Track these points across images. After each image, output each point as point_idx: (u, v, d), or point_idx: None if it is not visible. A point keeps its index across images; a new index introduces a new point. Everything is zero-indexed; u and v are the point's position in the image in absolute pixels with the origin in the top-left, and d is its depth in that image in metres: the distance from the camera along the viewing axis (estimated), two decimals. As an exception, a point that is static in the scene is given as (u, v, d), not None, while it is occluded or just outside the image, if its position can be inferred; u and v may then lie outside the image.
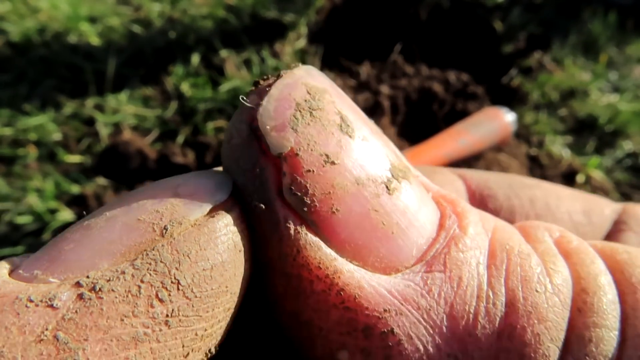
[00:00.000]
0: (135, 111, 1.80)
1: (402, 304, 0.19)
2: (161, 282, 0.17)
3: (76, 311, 0.16)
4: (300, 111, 0.20)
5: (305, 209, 0.20)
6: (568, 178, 1.65)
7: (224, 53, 1.97)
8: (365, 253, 0.20)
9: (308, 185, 0.20)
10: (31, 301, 0.16)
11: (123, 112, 1.78)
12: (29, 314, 0.16)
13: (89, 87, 1.86)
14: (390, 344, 0.19)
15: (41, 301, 0.16)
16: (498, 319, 0.19)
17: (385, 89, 1.75)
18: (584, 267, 0.20)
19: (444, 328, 0.19)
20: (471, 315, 0.19)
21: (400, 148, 1.58)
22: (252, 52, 1.97)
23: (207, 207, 0.19)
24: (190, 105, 1.81)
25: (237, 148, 0.21)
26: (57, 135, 1.72)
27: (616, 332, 0.19)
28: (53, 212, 1.50)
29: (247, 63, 1.95)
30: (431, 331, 0.19)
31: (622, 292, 0.20)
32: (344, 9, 2.14)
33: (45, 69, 1.95)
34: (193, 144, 1.70)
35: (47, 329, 0.16)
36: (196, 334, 0.18)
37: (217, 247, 0.19)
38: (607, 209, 0.34)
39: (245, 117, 0.21)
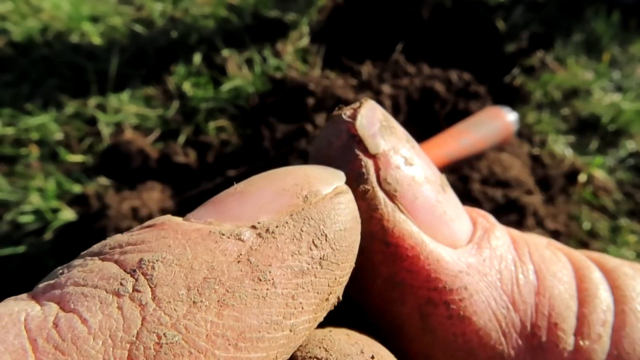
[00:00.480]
0: (137, 111, 1.80)
1: (468, 268, 0.26)
2: (314, 233, 0.22)
3: (259, 245, 0.21)
4: (383, 126, 0.27)
5: (397, 194, 0.26)
6: (570, 178, 1.64)
7: (225, 52, 1.97)
8: (436, 232, 0.26)
9: (397, 177, 0.26)
10: (223, 234, 0.21)
11: (125, 112, 1.79)
12: (225, 243, 0.20)
13: (90, 87, 1.87)
14: (464, 296, 0.25)
15: (231, 235, 0.21)
16: (532, 281, 0.27)
17: (386, 89, 1.75)
18: (574, 255, 0.29)
19: (497, 287, 0.26)
20: (514, 279, 0.26)
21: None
22: (253, 51, 1.97)
23: (334, 186, 0.24)
24: (191, 104, 1.81)
25: (339, 149, 0.27)
26: (58, 135, 1.73)
27: (607, 291, 0.27)
28: (55, 211, 1.50)
29: (249, 62, 1.95)
30: (490, 288, 0.26)
31: (604, 271, 0.28)
32: (346, 8, 2.14)
33: (47, 69, 1.95)
34: (195, 143, 1.70)
35: (241, 254, 0.20)
36: (336, 279, 0.22)
37: (346, 215, 0.23)
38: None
39: (344, 127, 0.27)
